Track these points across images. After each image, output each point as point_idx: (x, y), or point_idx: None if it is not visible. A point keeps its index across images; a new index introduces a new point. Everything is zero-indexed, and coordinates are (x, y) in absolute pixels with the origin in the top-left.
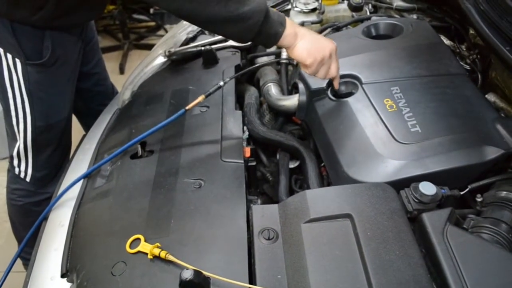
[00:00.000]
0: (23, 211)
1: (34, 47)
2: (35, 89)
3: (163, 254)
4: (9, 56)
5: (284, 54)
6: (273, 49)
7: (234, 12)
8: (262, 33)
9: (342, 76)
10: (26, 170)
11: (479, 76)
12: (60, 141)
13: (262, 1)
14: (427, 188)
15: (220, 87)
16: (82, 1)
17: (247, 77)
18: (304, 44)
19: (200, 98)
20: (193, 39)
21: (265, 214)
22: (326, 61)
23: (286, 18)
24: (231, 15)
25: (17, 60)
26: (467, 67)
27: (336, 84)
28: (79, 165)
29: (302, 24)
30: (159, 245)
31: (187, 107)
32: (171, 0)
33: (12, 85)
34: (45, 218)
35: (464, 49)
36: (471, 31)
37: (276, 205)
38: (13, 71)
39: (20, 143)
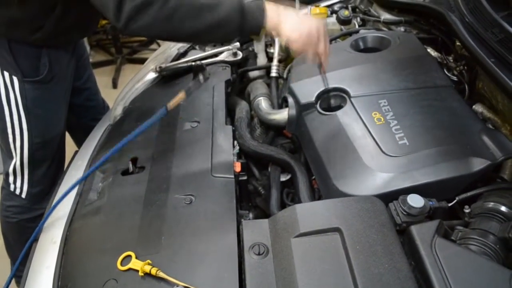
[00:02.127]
0: (18, 228)
1: (31, 65)
2: (32, 106)
3: (154, 271)
4: (6, 74)
5: (274, 69)
6: (263, 63)
7: (211, 20)
8: (245, 29)
9: (331, 90)
10: (21, 187)
11: (466, 87)
12: (55, 156)
13: (234, 2)
14: (415, 201)
15: (201, 83)
16: (79, 20)
17: (237, 91)
18: (288, 21)
19: (181, 95)
20: (184, 54)
21: (256, 229)
22: (313, 36)
23: (268, 4)
24: (208, 24)
25: (14, 78)
26: (455, 78)
27: (324, 64)
28: (71, 181)
29: None
30: (150, 262)
31: (168, 104)
32: (149, 28)
33: (9, 102)
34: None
35: (451, 61)
36: (457, 43)
37: (266, 220)
38: (10, 89)
39: (16, 160)
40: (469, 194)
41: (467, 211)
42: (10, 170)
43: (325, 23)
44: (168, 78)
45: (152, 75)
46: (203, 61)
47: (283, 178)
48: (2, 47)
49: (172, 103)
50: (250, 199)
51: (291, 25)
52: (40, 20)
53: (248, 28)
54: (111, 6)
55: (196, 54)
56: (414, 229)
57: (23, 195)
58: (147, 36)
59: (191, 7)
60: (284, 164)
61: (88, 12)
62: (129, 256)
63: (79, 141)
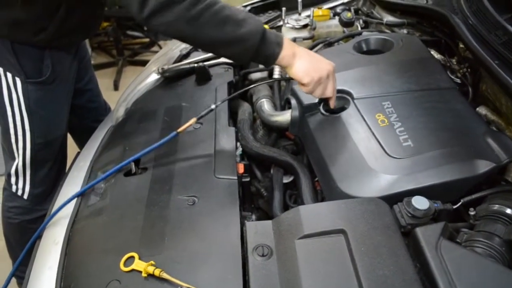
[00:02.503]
0: (19, 229)
1: (34, 66)
2: (35, 107)
3: (157, 272)
4: (9, 75)
5: (276, 71)
6: None
7: (231, 34)
8: (260, 54)
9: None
10: (23, 188)
11: (470, 89)
12: (57, 157)
13: (258, 23)
14: (420, 203)
15: (211, 110)
16: (82, 21)
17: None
18: (301, 64)
19: (192, 121)
20: (186, 55)
21: (259, 231)
22: (323, 81)
23: (285, 38)
24: (228, 37)
25: (17, 79)
26: (458, 80)
27: (331, 104)
28: (74, 183)
29: (294, 40)
30: (153, 262)
31: (178, 130)
32: (170, 25)
33: (12, 104)
34: (40, 236)
35: (455, 63)
36: (461, 45)
37: (270, 221)
38: (13, 90)
39: (18, 161)
40: (474, 196)
41: (472, 213)
42: (12, 171)
43: (334, 66)
44: (171, 79)
45: (154, 77)
46: (206, 63)
47: (286, 180)
48: (5, 48)
49: (182, 129)
50: (253, 200)
51: (303, 69)
52: (44, 21)
53: (263, 54)
54: None
55: (198, 56)
56: (419, 231)
57: (25, 196)
58: (164, 33)
59: (216, 16)
60: (287, 166)
61: (91, 13)
62: (132, 257)
63: (81, 143)
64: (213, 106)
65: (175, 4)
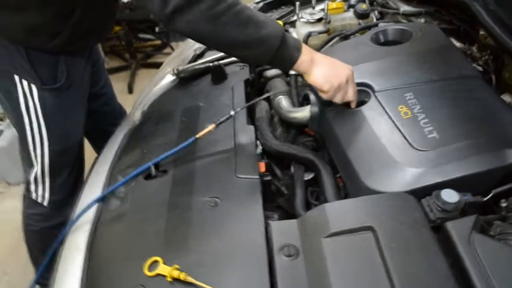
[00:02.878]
0: (40, 235)
1: (49, 72)
2: (51, 114)
3: (182, 276)
4: (25, 82)
5: None
6: None
7: (252, 35)
8: (278, 57)
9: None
10: (43, 195)
11: (493, 77)
12: (75, 163)
13: (278, 26)
14: (450, 196)
15: (231, 116)
16: (96, 24)
17: (256, 90)
18: (320, 70)
19: (211, 127)
20: (200, 55)
21: (284, 230)
22: (343, 87)
23: (303, 44)
24: (249, 38)
25: (33, 86)
26: (480, 68)
27: (353, 105)
28: (93, 188)
29: (309, 34)
30: (177, 266)
31: (197, 135)
32: (193, 24)
33: (28, 111)
34: (61, 242)
35: (476, 51)
36: (481, 32)
37: (295, 221)
38: (29, 97)
39: (37, 168)
40: (505, 187)
41: (503, 205)
42: (32, 178)
43: (352, 70)
44: (186, 80)
45: (169, 78)
46: (221, 61)
47: (306, 177)
48: (19, 55)
49: (201, 134)
50: (272, 200)
51: (323, 75)
52: (59, 25)
53: (282, 57)
54: None
55: (213, 55)
56: (450, 225)
57: (45, 203)
58: (186, 32)
59: (238, 16)
60: (307, 163)
61: (105, 15)
62: (156, 261)
63: (97, 147)
64: (232, 113)
65: (198, 2)
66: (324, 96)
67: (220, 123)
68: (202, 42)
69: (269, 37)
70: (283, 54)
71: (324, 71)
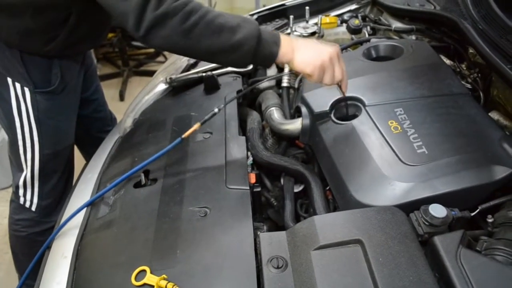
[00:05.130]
0: (27, 241)
1: (43, 76)
2: (44, 117)
3: (170, 286)
4: (18, 85)
5: (285, 80)
6: (273, 72)
7: (228, 42)
8: (258, 56)
9: (345, 99)
10: (31, 199)
11: (481, 94)
12: (65, 168)
13: (253, 26)
14: (438, 210)
15: (215, 113)
16: (91, 29)
17: (248, 101)
18: (301, 55)
19: (196, 126)
20: (194, 65)
21: (273, 242)
22: (328, 66)
23: (282, 35)
24: (225, 45)
25: (26, 89)
26: (469, 86)
27: (343, 87)
28: (82, 194)
29: None
30: (165, 276)
31: (183, 135)
32: (167, 39)
33: (20, 114)
34: (48, 248)
35: (465, 68)
36: (471, 50)
37: (284, 232)
38: (22, 100)
39: (27, 172)
40: (491, 203)
41: (490, 220)
42: (20, 182)
43: (338, 47)
44: (179, 89)
45: (162, 86)
46: (214, 72)
47: (296, 189)
48: (14, 59)
49: (187, 134)
50: (262, 211)
51: (303, 59)
52: (54, 30)
53: (261, 55)
54: (131, 15)
55: (206, 65)
56: (437, 239)
57: (33, 208)
58: (163, 47)
59: (211, 25)
60: (298, 175)
61: (100, 21)
62: (144, 270)
63: (87, 153)
64: (216, 110)
65: (170, 18)
66: (311, 80)
67: (205, 121)
68: (181, 54)
69: (245, 39)
70: (263, 52)
71: (304, 54)
